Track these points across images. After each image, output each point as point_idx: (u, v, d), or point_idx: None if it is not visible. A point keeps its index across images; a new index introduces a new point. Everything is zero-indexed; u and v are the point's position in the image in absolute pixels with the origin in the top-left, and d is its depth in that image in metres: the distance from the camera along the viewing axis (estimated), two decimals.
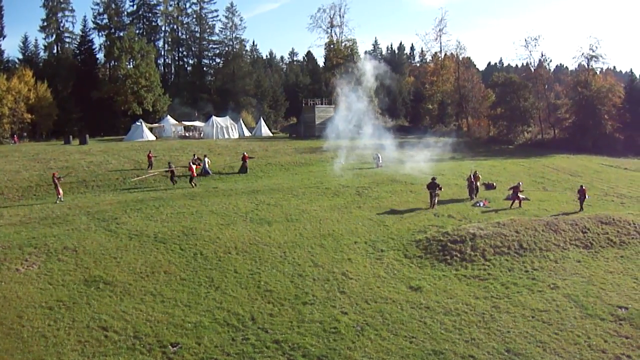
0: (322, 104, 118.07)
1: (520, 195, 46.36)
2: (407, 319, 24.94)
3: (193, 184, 55.33)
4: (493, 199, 48.63)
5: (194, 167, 56.74)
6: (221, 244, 35.09)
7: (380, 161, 68.27)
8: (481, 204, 46.59)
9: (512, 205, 45.91)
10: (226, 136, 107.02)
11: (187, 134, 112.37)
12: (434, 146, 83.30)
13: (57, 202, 47.80)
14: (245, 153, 67.06)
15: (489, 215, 42.92)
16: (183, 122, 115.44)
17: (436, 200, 46.36)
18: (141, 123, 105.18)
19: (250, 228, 38.63)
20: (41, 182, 54.51)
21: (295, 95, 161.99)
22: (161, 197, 49.40)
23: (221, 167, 65.81)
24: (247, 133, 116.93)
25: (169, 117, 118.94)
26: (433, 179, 47.38)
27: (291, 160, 73.31)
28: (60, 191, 48.83)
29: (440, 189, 47.03)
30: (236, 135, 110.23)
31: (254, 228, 38.64)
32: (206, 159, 64.12)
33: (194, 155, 66.11)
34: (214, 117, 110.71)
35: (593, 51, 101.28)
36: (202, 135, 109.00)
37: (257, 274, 30.37)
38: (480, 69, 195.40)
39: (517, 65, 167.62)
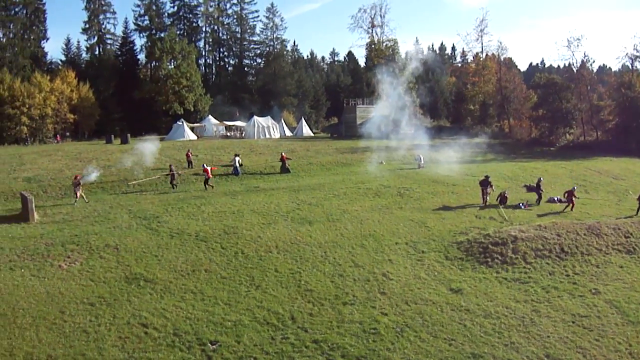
0: (363, 104, 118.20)
1: (573, 199, 45.88)
2: (447, 321, 24.76)
3: (209, 186, 54.40)
4: (534, 201, 48.11)
5: (208, 168, 55.86)
6: (262, 243, 35.23)
7: (422, 162, 67.90)
8: (522, 206, 46.18)
9: (566, 207, 45.34)
10: (267, 136, 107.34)
11: (228, 134, 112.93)
12: (475, 147, 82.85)
13: (75, 204, 47.19)
14: (283, 153, 67.33)
15: (530, 217, 42.50)
16: (224, 122, 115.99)
17: (487, 198, 46.63)
18: (182, 122, 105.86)
19: (292, 227, 38.73)
20: (83, 181, 55.17)
21: (336, 95, 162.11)
22: (202, 196, 49.71)
23: (262, 166, 65.98)
24: (288, 133, 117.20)
25: (210, 116, 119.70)
26: (486, 176, 47.92)
27: (332, 160, 73.31)
28: (78, 194, 47.93)
29: (492, 187, 47.00)
30: (277, 135, 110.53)
31: (295, 227, 38.74)
32: (237, 158, 63.90)
33: (236, 155, 65.95)
34: (255, 117, 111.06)
35: (637, 51, 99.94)
36: (243, 135, 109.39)
37: (298, 274, 30.41)
38: (522, 70, 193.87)
39: (559, 66, 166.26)
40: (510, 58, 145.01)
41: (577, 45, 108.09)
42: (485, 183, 46.95)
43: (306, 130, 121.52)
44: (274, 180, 59.26)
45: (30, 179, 56.33)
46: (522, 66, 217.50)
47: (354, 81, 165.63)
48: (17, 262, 31.51)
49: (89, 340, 22.55)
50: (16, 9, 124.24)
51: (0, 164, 65.06)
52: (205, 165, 57.06)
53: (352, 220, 40.96)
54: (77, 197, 47.79)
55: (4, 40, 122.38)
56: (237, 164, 62.73)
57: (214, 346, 22.30)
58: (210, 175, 55.54)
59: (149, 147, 64.41)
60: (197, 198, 48.76)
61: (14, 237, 36.70)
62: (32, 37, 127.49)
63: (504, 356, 21.80)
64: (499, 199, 46.38)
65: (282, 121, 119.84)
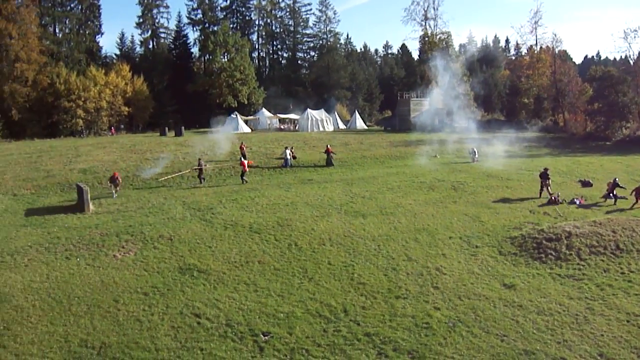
0: (417, 96, 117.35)
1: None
2: (499, 316, 24.43)
3: (244, 180, 54.52)
4: (590, 197, 47.33)
5: (245, 162, 56.13)
6: (315, 235, 35.33)
7: (476, 155, 67.42)
8: (577, 202, 45.41)
9: (634, 205, 44.38)
10: (321, 129, 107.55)
11: (282, 127, 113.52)
12: (529, 141, 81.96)
13: (115, 195, 48.14)
14: (328, 146, 67.49)
15: (584, 213, 41.75)
16: (278, 115, 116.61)
17: (548, 189, 46.38)
18: (237, 115, 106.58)
19: (345, 220, 38.78)
20: (138, 173, 55.90)
21: (390, 88, 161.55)
22: (256, 189, 50.14)
23: (316, 159, 66.21)
24: (342, 126, 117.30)
25: (264, 109, 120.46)
26: (545, 169, 47.58)
27: (386, 153, 73.29)
28: (115, 190, 48.91)
29: (549, 179, 46.63)
30: (331, 128, 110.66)
31: (349, 220, 38.76)
32: (287, 151, 64.50)
33: (287, 147, 66.21)
34: (309, 110, 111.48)
35: None
36: (297, 127, 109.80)
37: (351, 267, 30.34)
38: (577, 62, 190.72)
39: (615, 59, 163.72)
40: (565, 50, 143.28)
41: (634, 37, 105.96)
42: (544, 175, 46.65)
43: (360, 123, 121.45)
44: (327, 173, 59.46)
45: (86, 170, 57.40)
46: (577, 59, 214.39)
47: (408, 74, 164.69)
48: (73, 252, 32.32)
49: (142, 328, 22.82)
50: (72, 5, 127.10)
51: (57, 156, 66.36)
52: (242, 159, 57.53)
53: (405, 213, 40.83)
54: (116, 191, 48.65)
55: (60, 35, 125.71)
56: (288, 156, 63.05)
57: (266, 337, 22.37)
58: (247, 169, 55.77)
59: (226, 137, 64.54)
60: (250, 190, 49.18)
61: (69, 227, 37.64)
62: (87, 32, 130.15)
63: (557, 354, 21.42)
64: (549, 200, 45.74)
65: (336, 114, 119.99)
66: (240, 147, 65.74)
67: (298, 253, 32.35)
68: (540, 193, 46.40)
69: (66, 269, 29.59)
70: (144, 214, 40.97)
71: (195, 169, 56.01)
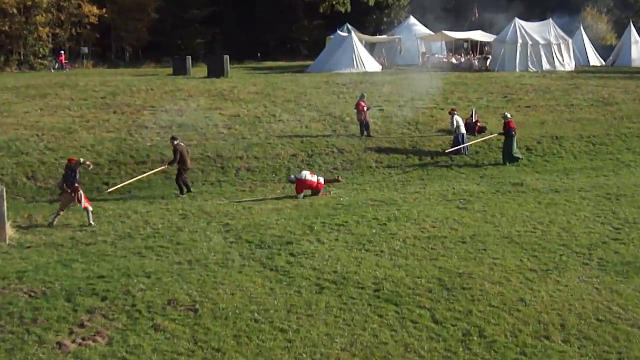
0: None
1: None
2: None
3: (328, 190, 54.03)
4: None
5: (312, 179, 53.75)
6: (528, 314, 33.79)
7: None
8: None
9: None
10: (545, 66, 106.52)
11: (454, 60, 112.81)
12: None
13: (54, 221, 46.06)
14: (508, 115, 65.33)
15: None
16: (445, 32, 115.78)
17: None
18: (350, 32, 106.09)
19: (598, 282, 37.30)
20: (117, 156, 56.43)
21: None
22: (391, 200, 50.73)
23: (533, 136, 65.60)
24: (594, 60, 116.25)
25: (412, 19, 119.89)
26: None
27: None
28: (84, 204, 46.40)
29: None
30: (568, 66, 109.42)
31: (607, 283, 37.16)
32: (456, 117, 64.71)
33: (453, 112, 65.31)
34: (517, 21, 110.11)
35: None
36: (488, 63, 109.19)
37: None
38: None
39: None
40: None
41: None
42: None
43: (638, 53, 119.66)
44: (560, 170, 58.90)
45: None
46: None
47: None
48: None
49: None
50: None
51: None
52: (296, 176, 54.55)
53: None
54: (60, 211, 46.73)
55: None
56: (463, 130, 62.55)
57: None
58: (322, 185, 54.24)
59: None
60: (376, 204, 49.52)
61: None
62: None
63: None
64: None
65: (582, 32, 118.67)
66: (357, 105, 65.44)
67: (486, 354, 31.60)
68: None
69: None
70: (134, 250, 40.96)
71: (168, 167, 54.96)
